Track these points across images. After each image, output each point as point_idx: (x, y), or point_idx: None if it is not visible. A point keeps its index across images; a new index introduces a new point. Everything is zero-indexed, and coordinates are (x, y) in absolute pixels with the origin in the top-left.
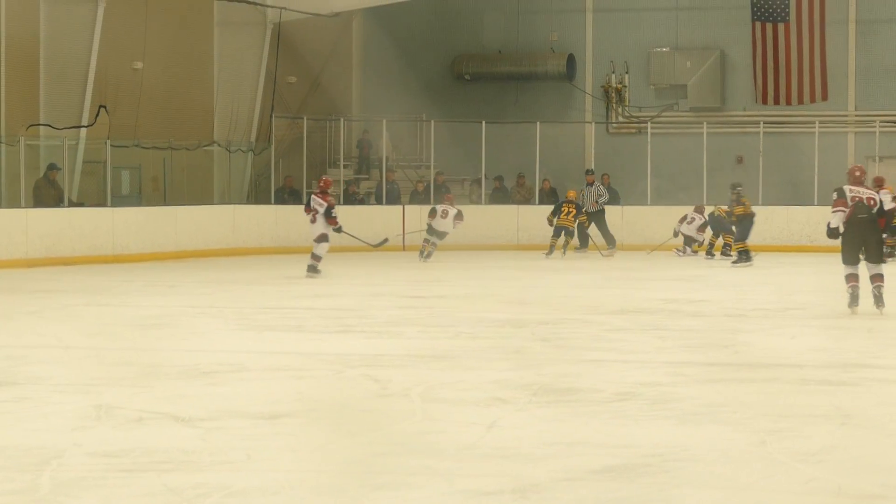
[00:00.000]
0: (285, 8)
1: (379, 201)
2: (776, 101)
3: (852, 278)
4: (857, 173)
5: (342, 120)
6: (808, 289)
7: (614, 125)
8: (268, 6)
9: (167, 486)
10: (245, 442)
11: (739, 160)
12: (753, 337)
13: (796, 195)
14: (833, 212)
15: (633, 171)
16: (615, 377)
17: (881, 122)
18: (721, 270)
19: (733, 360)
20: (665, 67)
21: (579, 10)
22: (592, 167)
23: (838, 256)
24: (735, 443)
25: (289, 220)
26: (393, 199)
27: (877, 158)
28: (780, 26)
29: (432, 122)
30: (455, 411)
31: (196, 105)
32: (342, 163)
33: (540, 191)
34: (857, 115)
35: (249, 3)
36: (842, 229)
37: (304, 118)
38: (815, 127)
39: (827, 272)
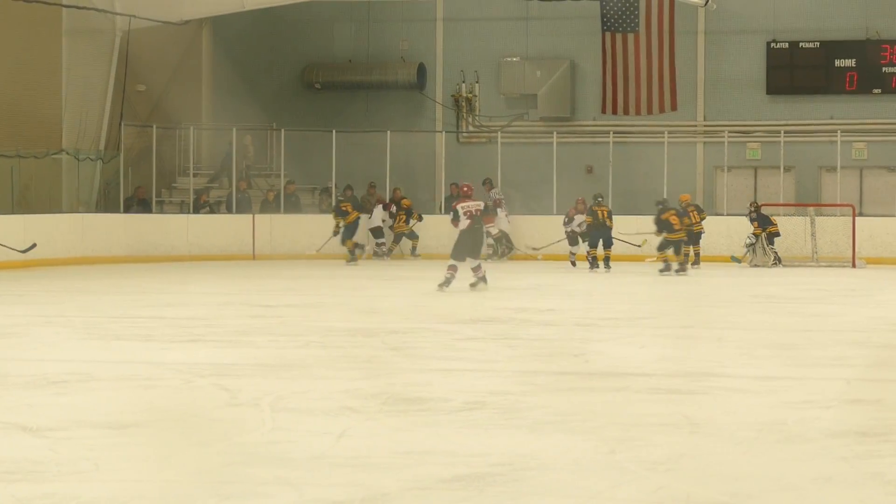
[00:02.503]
0: (134, 16)
1: (230, 210)
2: (626, 112)
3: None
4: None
5: (192, 129)
6: (657, 298)
7: (465, 134)
8: (116, 14)
9: (15, 497)
10: (93, 452)
11: (589, 170)
12: (603, 346)
13: (648, 205)
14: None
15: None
16: (465, 386)
17: (729, 132)
18: (572, 279)
19: (583, 369)
20: (515, 77)
21: (429, 20)
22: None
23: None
24: (585, 451)
25: (139, 229)
26: (244, 208)
27: (725, 168)
28: (630, 37)
29: (283, 130)
30: (305, 421)
31: (44, 113)
32: (192, 171)
33: (390, 200)
34: (705, 126)
35: (98, 10)
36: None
37: (154, 127)
38: (664, 137)
39: (677, 281)
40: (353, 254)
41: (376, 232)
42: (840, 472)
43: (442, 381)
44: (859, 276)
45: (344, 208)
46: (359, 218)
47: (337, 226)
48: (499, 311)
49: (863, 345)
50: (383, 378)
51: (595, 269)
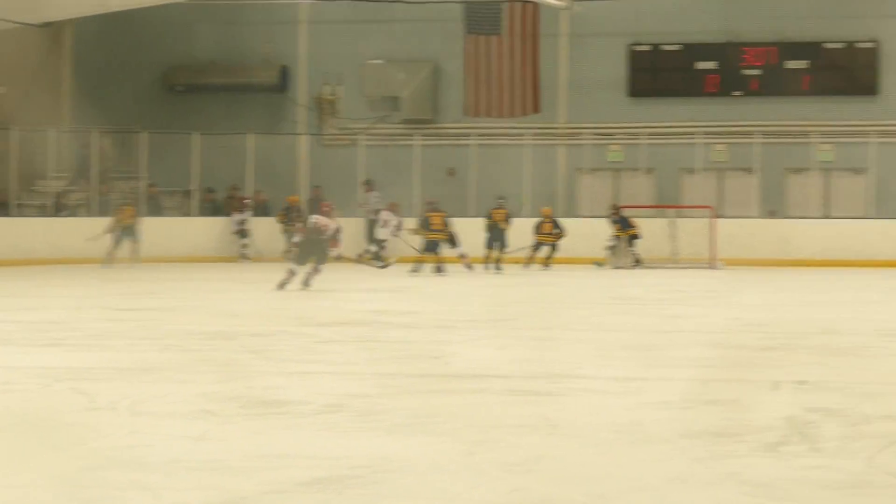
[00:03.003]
0: None
1: (91, 213)
2: (488, 114)
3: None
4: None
5: (53, 131)
6: (517, 300)
7: (327, 137)
8: None
9: None
10: None
11: (451, 172)
12: (462, 348)
13: (509, 207)
14: None
15: (346, 183)
16: (324, 389)
17: (591, 134)
18: (432, 281)
19: (442, 370)
20: (378, 79)
21: (292, 22)
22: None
23: (551, 267)
24: (443, 454)
25: None
26: (105, 210)
27: (586, 170)
28: (493, 39)
29: (144, 133)
30: (163, 424)
31: None
32: (53, 174)
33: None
34: (567, 128)
35: None
36: None
37: (13, 129)
38: (526, 139)
39: (536, 283)
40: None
41: (241, 233)
42: (696, 472)
43: (301, 383)
44: (718, 277)
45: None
46: None
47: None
48: (358, 314)
49: (720, 346)
50: (242, 381)
51: (489, 271)
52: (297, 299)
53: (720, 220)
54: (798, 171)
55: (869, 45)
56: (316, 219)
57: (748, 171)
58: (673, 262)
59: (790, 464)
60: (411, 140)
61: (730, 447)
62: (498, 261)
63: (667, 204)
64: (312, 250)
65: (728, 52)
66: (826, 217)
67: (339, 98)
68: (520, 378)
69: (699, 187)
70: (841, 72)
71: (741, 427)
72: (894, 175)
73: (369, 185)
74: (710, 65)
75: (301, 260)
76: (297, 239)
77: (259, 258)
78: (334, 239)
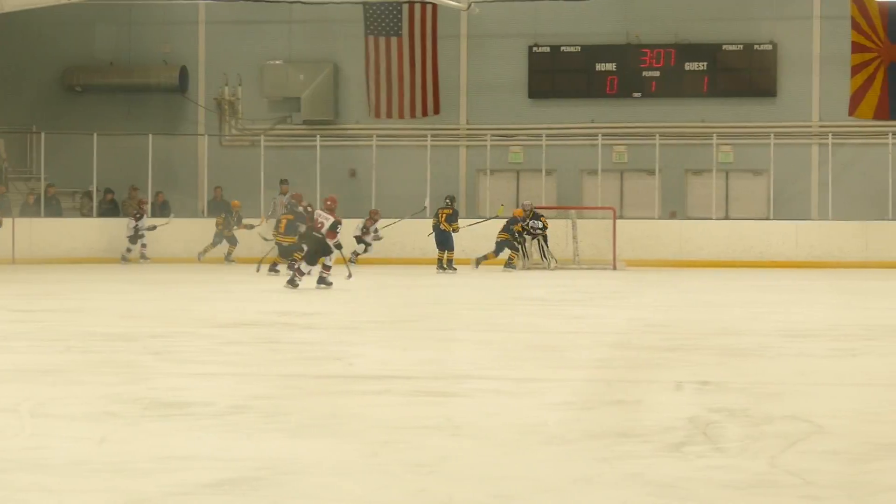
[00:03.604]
0: None
1: None
2: (389, 115)
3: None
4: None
5: None
6: (421, 301)
7: (227, 138)
8: None
9: None
10: None
11: (352, 173)
12: (366, 349)
13: (411, 208)
14: None
15: (246, 184)
16: (228, 390)
17: (492, 136)
18: (338, 283)
19: (346, 372)
20: (278, 80)
21: (192, 22)
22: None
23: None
24: (347, 455)
25: None
26: (3, 211)
27: (487, 172)
28: (393, 40)
29: (42, 133)
30: (64, 426)
31: None
32: None
33: (153, 203)
34: (468, 129)
35: None
36: None
37: None
38: (427, 140)
39: (442, 284)
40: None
41: (133, 238)
42: (600, 472)
43: (204, 385)
44: (619, 278)
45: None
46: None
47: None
48: (262, 315)
49: (622, 346)
50: (144, 383)
51: (440, 271)
52: (198, 301)
53: (621, 221)
54: (698, 172)
55: (767, 47)
56: (317, 214)
57: (649, 172)
58: (574, 262)
59: (693, 464)
60: (312, 141)
61: (633, 447)
62: (449, 261)
63: (568, 205)
64: (314, 247)
65: (627, 54)
66: (726, 218)
67: (239, 99)
68: (423, 379)
69: (600, 188)
70: (740, 74)
71: (644, 427)
72: (793, 176)
73: (285, 183)
74: (609, 66)
75: (311, 259)
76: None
77: (143, 260)
78: (332, 231)
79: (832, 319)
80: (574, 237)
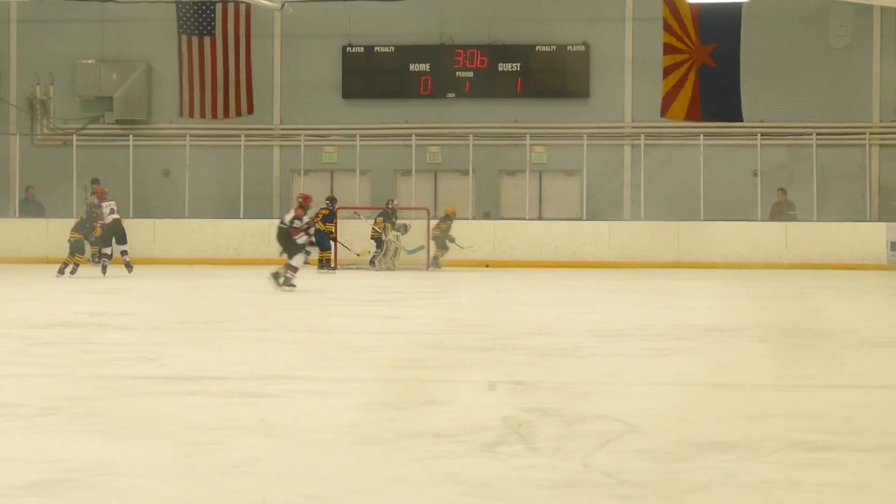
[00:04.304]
0: None
1: None
2: (202, 115)
3: None
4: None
5: None
6: (237, 302)
7: (39, 137)
8: None
9: None
10: None
11: (166, 173)
12: (180, 350)
13: (226, 208)
14: None
15: (60, 184)
16: (40, 391)
17: (305, 136)
18: (148, 282)
19: (159, 373)
20: (91, 79)
21: (3, 21)
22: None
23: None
24: (161, 456)
25: None
26: None
27: (301, 172)
28: (206, 40)
29: None
30: None
31: None
32: None
33: None
34: (282, 129)
35: None
36: None
37: None
38: (240, 140)
39: (258, 287)
40: None
41: None
42: (414, 472)
43: (15, 386)
44: (435, 278)
45: None
46: None
47: None
48: (74, 316)
49: (437, 346)
50: None
51: (321, 272)
52: (8, 301)
53: (435, 222)
54: (512, 172)
55: (580, 48)
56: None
57: (462, 172)
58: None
59: (507, 464)
60: (125, 141)
61: (447, 447)
62: (327, 261)
63: (382, 205)
64: (283, 243)
65: (441, 55)
66: (539, 218)
67: (51, 98)
68: (238, 380)
69: (414, 188)
70: (553, 75)
71: (458, 427)
72: (605, 177)
73: (95, 182)
74: (423, 67)
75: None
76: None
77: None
78: (295, 228)
79: (644, 319)
80: (389, 238)
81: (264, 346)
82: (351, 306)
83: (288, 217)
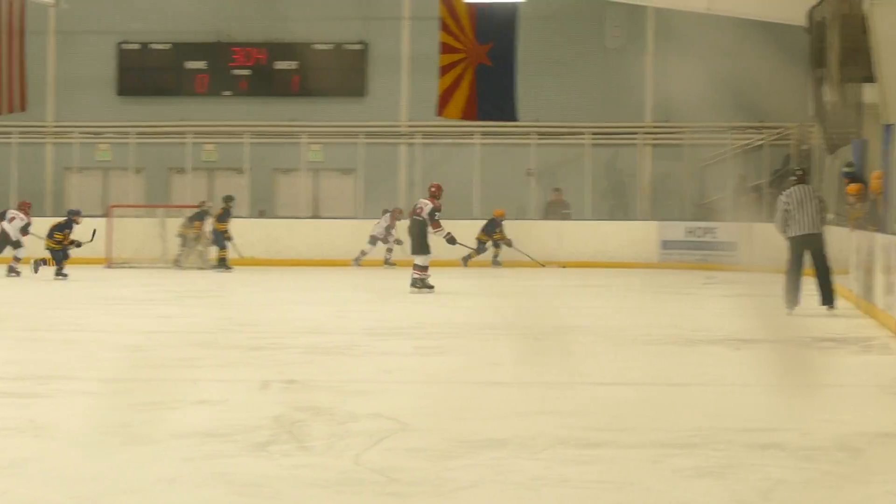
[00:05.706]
0: None
1: None
2: None
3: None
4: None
5: None
6: (3, 301)
7: None
8: None
9: None
10: None
11: None
12: None
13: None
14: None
15: None
16: None
17: (79, 133)
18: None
19: None
20: None
21: None
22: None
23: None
24: None
25: None
26: None
27: (74, 170)
28: None
29: None
30: None
31: None
32: None
33: None
34: (55, 126)
35: None
36: None
37: None
38: (13, 138)
39: (25, 283)
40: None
41: None
42: (185, 472)
43: None
44: (209, 277)
45: None
46: None
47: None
48: None
49: (210, 346)
50: None
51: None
52: None
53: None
54: (287, 171)
55: (357, 46)
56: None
57: (238, 170)
58: (163, 261)
59: (279, 463)
60: None
61: (219, 447)
62: (222, 259)
63: (156, 203)
64: (417, 238)
65: (218, 52)
66: (315, 217)
67: None
68: (5, 380)
69: (189, 187)
70: (330, 73)
71: (230, 427)
72: (382, 175)
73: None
74: (199, 64)
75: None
76: None
77: None
78: (435, 221)
79: (420, 317)
80: (162, 236)
81: (34, 346)
82: (124, 305)
83: (427, 208)
